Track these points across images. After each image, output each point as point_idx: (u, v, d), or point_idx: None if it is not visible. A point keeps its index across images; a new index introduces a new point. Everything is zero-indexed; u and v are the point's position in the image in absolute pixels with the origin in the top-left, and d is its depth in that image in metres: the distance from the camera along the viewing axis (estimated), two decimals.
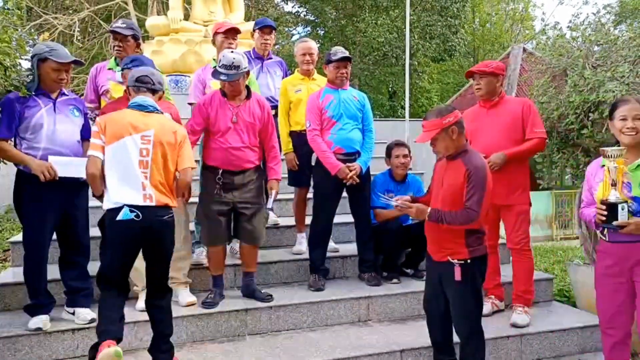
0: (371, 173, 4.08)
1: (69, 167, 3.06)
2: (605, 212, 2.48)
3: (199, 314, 3.39)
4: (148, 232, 2.73)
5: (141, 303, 3.24)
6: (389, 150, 4.19)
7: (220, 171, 3.47)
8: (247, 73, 3.51)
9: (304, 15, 21.00)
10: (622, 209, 2.45)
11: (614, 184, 2.48)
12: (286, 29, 21.54)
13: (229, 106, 3.48)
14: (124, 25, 3.68)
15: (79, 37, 15.46)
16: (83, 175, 2.88)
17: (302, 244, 4.28)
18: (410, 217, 3.70)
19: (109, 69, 3.76)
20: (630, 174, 2.51)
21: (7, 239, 5.70)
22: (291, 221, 4.51)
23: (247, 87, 3.57)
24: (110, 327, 2.67)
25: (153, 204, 2.73)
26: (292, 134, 4.22)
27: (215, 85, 3.73)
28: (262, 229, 3.62)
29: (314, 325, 3.59)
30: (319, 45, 6.59)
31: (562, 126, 4.02)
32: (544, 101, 4.18)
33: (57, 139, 3.11)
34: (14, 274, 3.70)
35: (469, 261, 2.70)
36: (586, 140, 3.92)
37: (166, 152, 2.81)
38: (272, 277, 4.03)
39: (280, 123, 4.22)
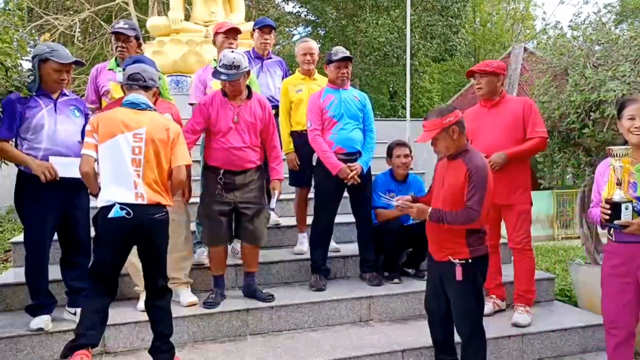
0: (372, 173, 4.08)
1: (70, 168, 3.06)
2: (609, 211, 2.48)
3: (201, 314, 3.40)
4: (139, 230, 2.73)
5: (142, 303, 3.25)
6: (390, 150, 4.19)
7: (222, 171, 3.47)
8: (248, 73, 3.51)
9: (305, 16, 20.98)
10: (626, 209, 2.44)
11: (619, 183, 2.48)
12: (287, 29, 21.53)
13: (230, 106, 3.48)
14: (127, 26, 3.69)
15: (79, 38, 15.49)
16: None
17: (303, 244, 4.28)
18: (411, 217, 3.69)
19: (110, 69, 3.76)
20: (636, 174, 2.50)
21: (9, 239, 5.71)
22: (292, 221, 4.51)
23: (248, 87, 3.57)
24: (89, 332, 2.65)
25: (144, 202, 2.73)
26: (293, 134, 4.22)
27: (216, 85, 3.72)
28: (263, 229, 3.62)
29: (315, 325, 3.59)
30: (319, 45, 6.58)
31: (563, 125, 4.01)
32: (545, 100, 4.17)
33: (58, 140, 3.11)
34: (15, 274, 3.70)
35: (470, 261, 2.70)
36: (587, 139, 3.91)
37: (159, 149, 2.80)
38: (274, 277, 4.03)
39: (281, 123, 4.22)
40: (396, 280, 4.00)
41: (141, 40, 3.78)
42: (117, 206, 2.68)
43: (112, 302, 2.82)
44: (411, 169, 4.27)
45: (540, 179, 4.66)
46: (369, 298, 3.72)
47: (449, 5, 18.91)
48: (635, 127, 2.55)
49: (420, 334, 3.34)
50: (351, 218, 4.14)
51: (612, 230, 2.59)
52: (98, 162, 2.79)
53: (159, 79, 3.53)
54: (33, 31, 14.39)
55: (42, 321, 3.12)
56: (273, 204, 3.67)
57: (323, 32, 20.96)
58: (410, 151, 4.17)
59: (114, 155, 2.74)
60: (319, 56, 4.44)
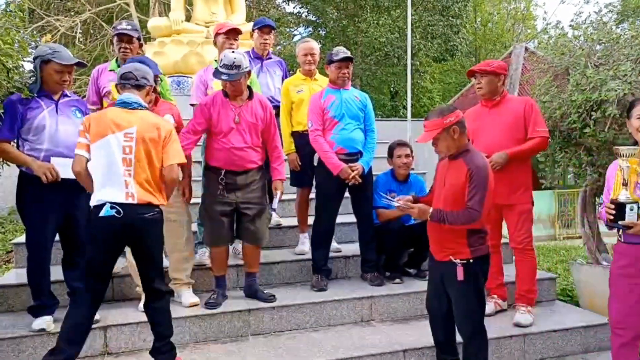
0: (373, 173, 4.07)
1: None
2: (614, 212, 2.47)
3: (202, 314, 3.40)
4: (129, 229, 2.73)
5: (143, 304, 3.24)
6: (391, 150, 4.19)
7: (223, 172, 3.47)
8: (249, 73, 3.51)
9: (306, 16, 20.98)
10: (631, 209, 2.41)
11: (625, 184, 2.47)
12: (287, 30, 21.55)
13: (231, 106, 3.48)
14: (130, 27, 3.70)
15: (80, 39, 15.50)
16: None
17: (304, 244, 4.27)
18: (413, 217, 3.69)
19: (111, 70, 3.77)
20: None
21: (11, 240, 5.73)
22: (294, 221, 4.51)
23: (249, 88, 3.58)
24: (70, 348, 2.67)
25: (135, 201, 2.72)
26: (294, 135, 4.22)
27: (217, 86, 3.73)
28: (265, 230, 3.62)
29: (316, 326, 3.60)
30: (320, 45, 6.58)
31: (565, 125, 4.00)
32: (546, 100, 4.16)
33: (60, 140, 3.11)
34: (17, 275, 3.71)
35: (471, 261, 2.69)
36: (589, 139, 3.91)
37: (149, 148, 2.79)
38: (275, 278, 4.03)
39: (282, 123, 4.22)
40: (397, 280, 4.00)
41: (142, 41, 3.78)
42: (107, 205, 2.69)
43: (99, 308, 2.84)
44: (412, 169, 4.27)
45: (541, 178, 4.65)
46: (371, 298, 3.72)
47: (450, 5, 18.91)
48: None
49: (421, 334, 3.33)
50: (352, 218, 4.14)
51: (620, 230, 2.58)
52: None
53: (160, 80, 3.54)
54: (34, 32, 14.40)
55: (44, 322, 3.12)
56: (275, 204, 3.67)
57: (324, 32, 20.97)
58: (412, 151, 4.17)
59: (105, 155, 2.74)
60: (320, 56, 4.45)
